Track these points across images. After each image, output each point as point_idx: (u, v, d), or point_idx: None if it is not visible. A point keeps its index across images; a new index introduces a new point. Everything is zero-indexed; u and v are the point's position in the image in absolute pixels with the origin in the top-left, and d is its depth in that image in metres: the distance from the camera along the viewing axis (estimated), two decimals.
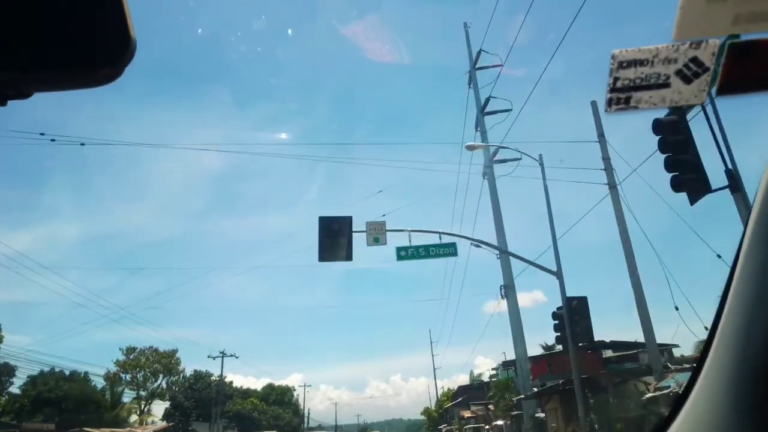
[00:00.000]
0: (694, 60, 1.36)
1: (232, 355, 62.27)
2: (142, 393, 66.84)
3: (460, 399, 71.63)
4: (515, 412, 33.60)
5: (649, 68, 1.40)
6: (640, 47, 1.41)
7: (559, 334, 18.31)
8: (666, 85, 1.39)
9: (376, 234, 19.41)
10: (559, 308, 18.46)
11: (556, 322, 18.37)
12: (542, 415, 28.61)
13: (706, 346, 1.44)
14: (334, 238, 18.98)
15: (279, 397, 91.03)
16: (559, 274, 18.78)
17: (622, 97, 1.43)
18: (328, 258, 19.33)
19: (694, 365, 1.50)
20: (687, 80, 1.37)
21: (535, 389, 27.25)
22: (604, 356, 29.61)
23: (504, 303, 25.57)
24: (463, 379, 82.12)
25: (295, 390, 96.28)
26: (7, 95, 1.11)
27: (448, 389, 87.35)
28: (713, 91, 1.35)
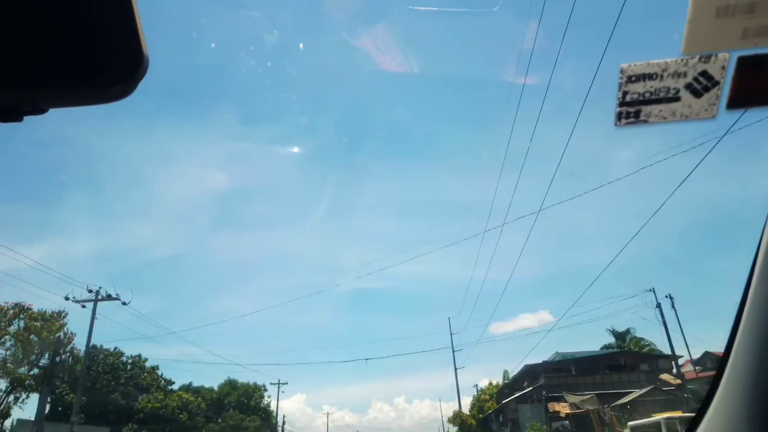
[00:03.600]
0: (704, 74, 1.36)
1: (114, 298, 32.88)
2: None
3: (530, 389, 47.03)
4: None
5: (658, 82, 1.38)
6: (648, 61, 1.38)
7: None
8: (676, 99, 1.38)
9: None
10: None
11: None
12: None
13: (726, 351, 1.49)
14: None
15: (242, 400, 67.93)
16: None
17: (631, 111, 1.40)
18: None
19: (716, 370, 1.58)
20: (697, 94, 1.37)
21: None
22: None
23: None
24: (466, 403, 63.32)
25: (266, 390, 71.59)
26: (23, 111, 1.14)
27: (490, 382, 64.47)
28: (723, 105, 1.35)
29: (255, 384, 70.63)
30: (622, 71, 1.39)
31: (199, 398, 59.41)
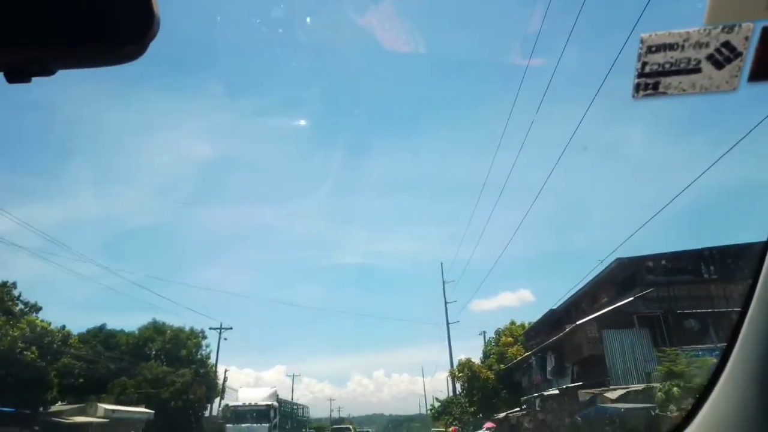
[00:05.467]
0: (726, 44, 1.33)
1: None
2: None
3: (628, 300, 25.35)
4: None
5: (679, 53, 1.36)
6: (669, 31, 1.36)
7: None
8: (696, 70, 1.36)
9: None
10: None
11: None
12: None
13: (729, 344, 1.49)
14: None
15: (168, 347, 50.24)
16: None
17: (650, 82, 1.39)
18: None
19: (717, 363, 1.55)
20: (718, 65, 1.35)
21: None
22: None
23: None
24: (445, 378, 52.28)
25: (205, 337, 53.27)
26: (31, 72, 1.12)
27: (513, 322, 47.02)
28: (745, 77, 1.33)
29: (191, 329, 53.32)
30: (642, 41, 1.38)
31: (67, 329, 37.12)
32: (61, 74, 1.17)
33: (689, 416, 1.63)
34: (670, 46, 1.37)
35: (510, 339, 44.35)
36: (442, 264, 53.04)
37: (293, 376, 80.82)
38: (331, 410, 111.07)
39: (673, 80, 1.38)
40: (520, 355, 39.74)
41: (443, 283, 50.92)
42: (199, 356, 52.88)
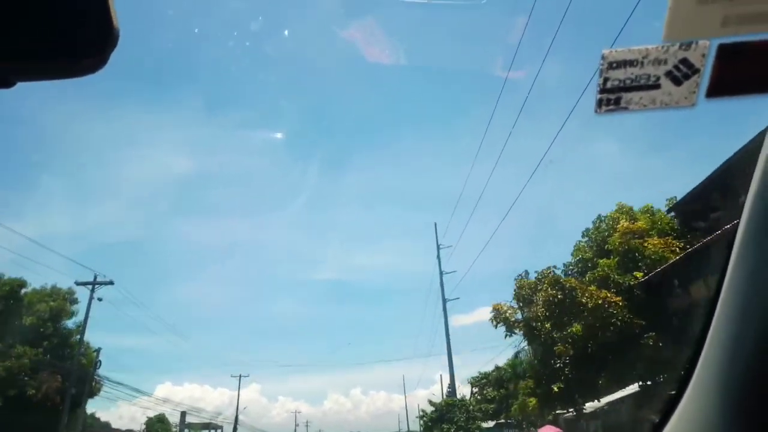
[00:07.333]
0: (684, 61, 1.35)
1: None
2: None
3: None
4: None
5: (639, 69, 1.38)
6: (630, 47, 1.38)
7: None
8: (656, 86, 1.38)
9: None
10: None
11: None
12: None
13: (696, 349, 1.50)
14: None
15: (2, 311, 32.20)
16: None
17: (612, 98, 1.41)
18: None
19: (685, 368, 1.56)
20: (677, 81, 1.37)
21: None
22: None
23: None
24: (424, 395, 41.44)
25: (75, 302, 36.85)
26: None
27: (620, 206, 25.78)
28: (703, 93, 1.34)
29: (53, 288, 36.66)
30: (603, 57, 1.40)
31: None
32: (37, 87, 1.19)
33: (661, 423, 1.64)
34: (631, 63, 1.39)
35: (641, 224, 23.56)
36: (435, 224, 45.19)
37: (240, 376, 65.06)
38: (296, 425, 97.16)
39: (634, 96, 1.40)
40: (671, 252, 20.58)
41: (437, 247, 43.11)
42: (62, 329, 35.86)
